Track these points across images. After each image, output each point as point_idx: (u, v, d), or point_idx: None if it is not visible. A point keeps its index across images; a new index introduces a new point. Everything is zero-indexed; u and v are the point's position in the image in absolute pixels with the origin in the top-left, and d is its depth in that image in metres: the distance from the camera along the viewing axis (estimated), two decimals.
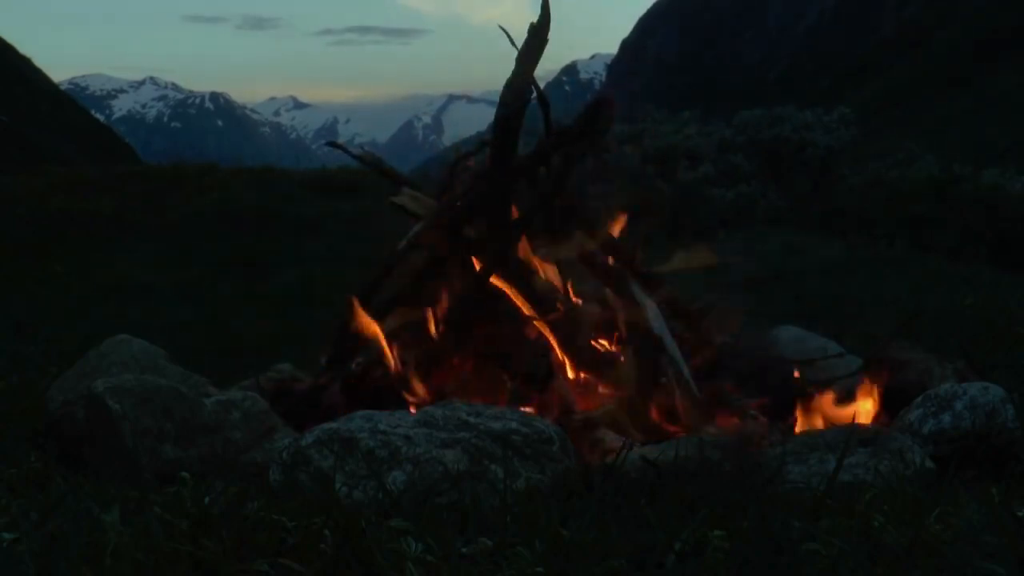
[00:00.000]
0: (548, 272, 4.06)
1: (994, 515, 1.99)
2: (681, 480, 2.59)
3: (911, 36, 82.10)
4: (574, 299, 4.07)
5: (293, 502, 2.05)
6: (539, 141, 3.92)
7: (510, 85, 3.76)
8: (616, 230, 4.12)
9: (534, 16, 3.75)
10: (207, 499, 1.87)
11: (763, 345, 4.45)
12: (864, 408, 3.70)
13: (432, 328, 3.95)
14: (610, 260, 4.09)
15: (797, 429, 3.68)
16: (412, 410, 3.37)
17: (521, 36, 3.70)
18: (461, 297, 3.92)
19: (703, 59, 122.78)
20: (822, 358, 4.27)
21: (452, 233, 4.00)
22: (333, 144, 4.79)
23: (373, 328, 3.81)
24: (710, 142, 20.67)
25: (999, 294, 9.15)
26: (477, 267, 3.96)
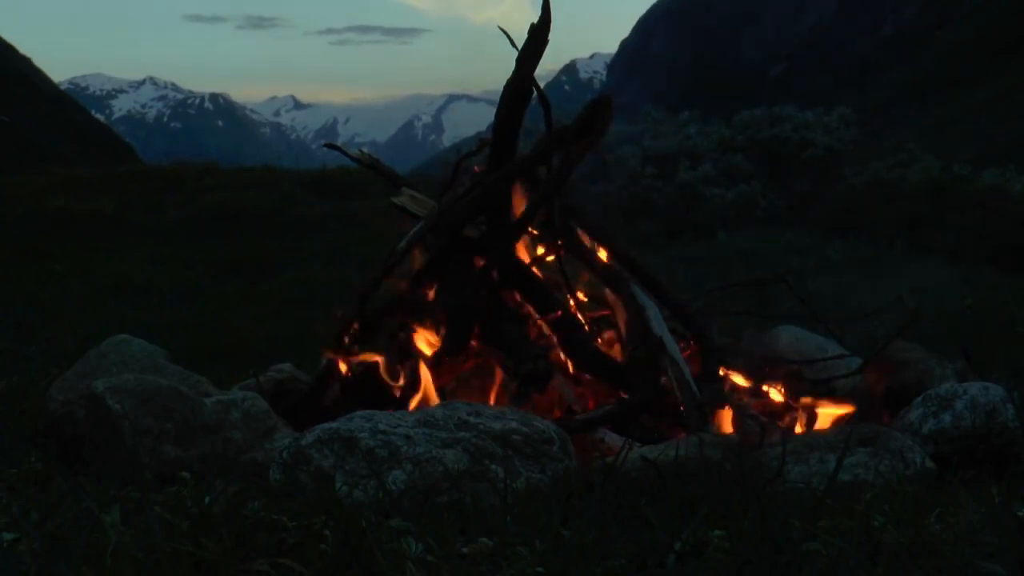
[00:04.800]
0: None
1: (994, 515, 1.99)
2: (681, 480, 2.59)
3: (911, 36, 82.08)
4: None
5: (293, 502, 2.05)
6: (539, 141, 3.91)
7: (510, 85, 3.75)
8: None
9: (534, 16, 3.75)
10: (207, 499, 1.87)
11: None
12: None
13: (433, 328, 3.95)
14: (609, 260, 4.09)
15: None
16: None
17: (521, 36, 3.69)
18: (461, 297, 3.92)
19: (703, 59, 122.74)
20: (822, 358, 4.27)
21: (452, 233, 3.99)
22: (331, 146, 4.78)
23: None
24: (710, 142, 20.68)
25: (999, 294, 9.15)
26: (478, 267, 3.96)
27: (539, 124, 3.92)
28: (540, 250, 4.19)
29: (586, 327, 4.07)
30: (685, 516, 2.04)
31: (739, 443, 3.23)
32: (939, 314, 7.57)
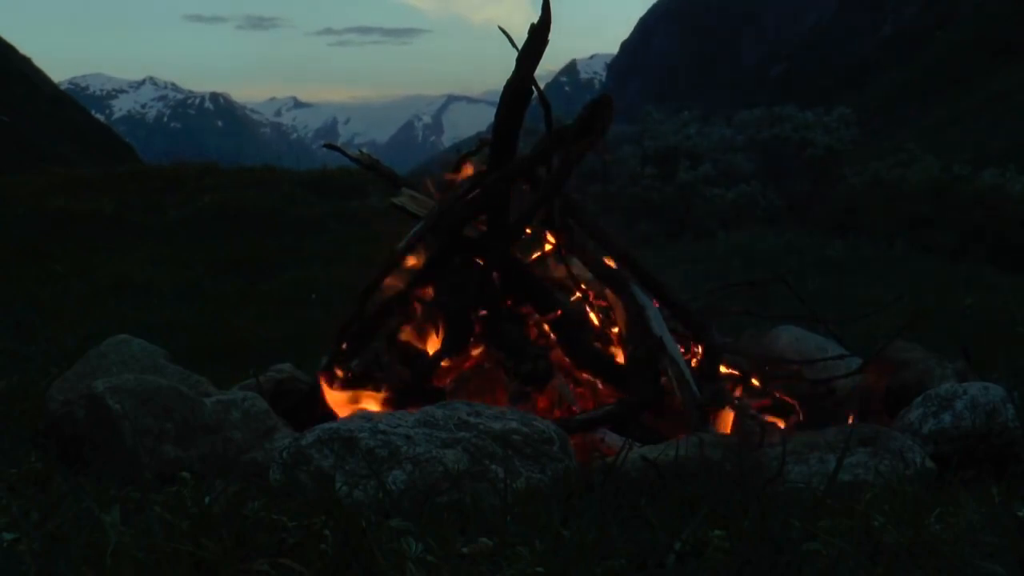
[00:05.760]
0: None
1: (994, 515, 1.98)
2: (681, 480, 2.59)
3: (911, 36, 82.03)
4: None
5: (293, 502, 2.05)
6: (539, 141, 3.91)
7: (510, 86, 3.75)
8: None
9: (534, 16, 3.75)
10: (207, 499, 1.87)
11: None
12: None
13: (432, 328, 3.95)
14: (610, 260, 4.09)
15: None
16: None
17: (521, 36, 3.69)
18: (461, 297, 3.92)
19: (703, 59, 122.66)
20: (822, 358, 4.27)
21: (452, 233, 4.00)
22: (331, 146, 4.79)
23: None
24: (710, 142, 20.69)
25: (999, 294, 9.16)
26: (478, 267, 3.96)
27: (539, 124, 3.92)
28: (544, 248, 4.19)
29: (594, 320, 4.07)
30: (685, 516, 2.03)
31: (739, 443, 3.23)
32: (939, 314, 7.57)
